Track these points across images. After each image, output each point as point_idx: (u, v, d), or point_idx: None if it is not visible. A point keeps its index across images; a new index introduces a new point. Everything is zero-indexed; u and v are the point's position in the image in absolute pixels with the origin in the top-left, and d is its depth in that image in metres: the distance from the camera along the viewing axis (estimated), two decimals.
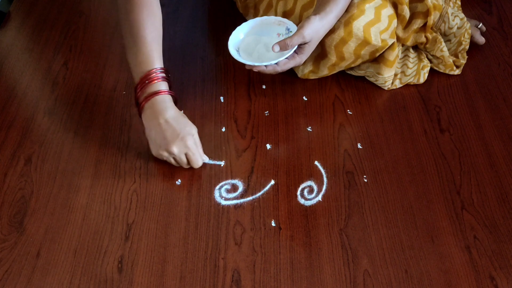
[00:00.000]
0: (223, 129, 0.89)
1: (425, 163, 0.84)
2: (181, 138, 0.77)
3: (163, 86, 0.79)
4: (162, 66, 0.81)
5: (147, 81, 0.78)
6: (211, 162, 0.84)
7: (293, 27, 0.85)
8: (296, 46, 0.80)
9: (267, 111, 0.92)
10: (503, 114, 0.90)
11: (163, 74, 0.80)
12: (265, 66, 0.81)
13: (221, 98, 0.94)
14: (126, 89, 0.96)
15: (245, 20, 0.91)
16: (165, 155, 0.80)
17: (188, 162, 0.81)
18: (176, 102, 0.82)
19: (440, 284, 0.71)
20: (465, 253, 0.73)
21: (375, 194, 0.80)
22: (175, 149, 0.78)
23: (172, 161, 0.81)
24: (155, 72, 0.79)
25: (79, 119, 0.92)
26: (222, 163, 0.85)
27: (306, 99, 0.94)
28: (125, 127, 0.90)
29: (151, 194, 0.81)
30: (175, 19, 1.10)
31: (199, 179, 0.83)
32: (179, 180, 0.83)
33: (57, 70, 1.01)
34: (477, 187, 0.81)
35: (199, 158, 0.81)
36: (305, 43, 0.80)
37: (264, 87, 0.96)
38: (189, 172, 0.83)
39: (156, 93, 0.78)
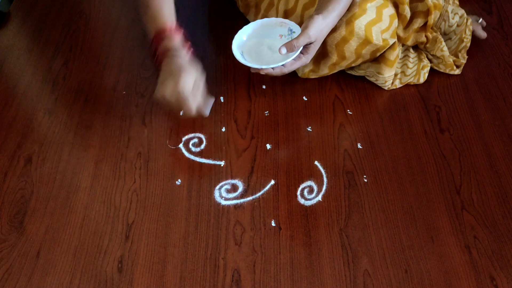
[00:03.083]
0: (223, 129, 0.89)
1: (425, 163, 0.84)
2: (175, 82, 0.77)
3: (175, 40, 0.82)
4: (174, 20, 0.83)
5: (159, 37, 0.81)
6: (210, 106, 0.85)
7: (296, 28, 0.85)
8: (302, 47, 0.81)
9: (267, 111, 0.92)
10: (503, 114, 0.90)
11: (175, 29, 0.82)
12: (272, 68, 0.81)
13: (221, 98, 0.94)
14: (126, 89, 0.96)
15: (246, 20, 0.91)
16: (160, 98, 0.80)
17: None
18: (194, 54, 0.84)
19: (440, 284, 0.71)
20: (465, 253, 0.74)
21: (375, 194, 0.80)
22: (166, 92, 0.78)
23: (169, 106, 0.81)
24: (167, 28, 0.81)
25: (79, 119, 0.92)
26: (222, 163, 0.85)
27: (306, 99, 0.94)
28: (125, 127, 0.90)
29: (151, 194, 0.81)
30: (175, 19, 1.10)
31: (199, 179, 0.83)
32: (179, 180, 0.83)
33: (57, 70, 1.01)
34: (477, 187, 0.81)
35: (191, 105, 0.79)
36: (310, 43, 0.81)
37: (264, 87, 0.96)
38: (189, 172, 0.84)
39: (168, 47, 0.81)
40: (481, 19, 1.01)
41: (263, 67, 0.81)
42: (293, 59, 0.81)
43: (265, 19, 0.88)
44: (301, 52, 0.82)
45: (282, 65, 0.81)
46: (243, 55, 0.85)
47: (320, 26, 0.79)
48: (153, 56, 0.84)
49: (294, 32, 0.86)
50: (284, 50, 0.79)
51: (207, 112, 0.84)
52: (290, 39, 0.82)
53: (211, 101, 0.87)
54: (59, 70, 1.01)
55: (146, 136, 0.89)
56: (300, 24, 0.86)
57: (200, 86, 0.81)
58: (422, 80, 0.95)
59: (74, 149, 0.87)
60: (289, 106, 0.93)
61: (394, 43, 0.88)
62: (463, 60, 0.96)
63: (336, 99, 0.93)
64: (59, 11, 1.13)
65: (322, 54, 0.89)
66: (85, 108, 0.94)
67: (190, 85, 0.78)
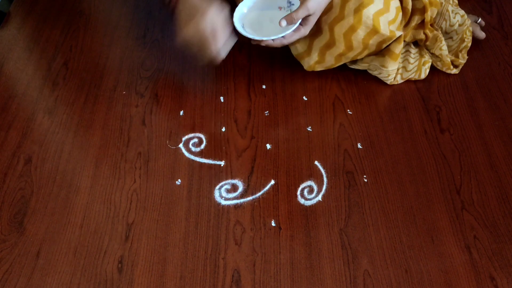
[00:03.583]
0: (223, 129, 0.89)
1: (425, 163, 0.84)
2: (196, 22, 0.69)
3: None
4: None
5: None
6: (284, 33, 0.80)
7: (295, 0, 0.86)
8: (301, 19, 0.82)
9: (267, 111, 0.92)
10: (503, 114, 0.90)
11: None
12: (272, 40, 0.83)
13: (221, 98, 0.94)
14: (126, 89, 0.96)
15: None
16: (183, 42, 0.73)
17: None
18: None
19: (440, 284, 0.71)
20: (465, 253, 0.74)
21: (375, 194, 0.80)
22: (188, 33, 0.71)
23: (193, 49, 0.75)
24: None
25: (79, 119, 0.92)
26: (222, 163, 0.85)
27: (306, 99, 0.94)
28: (125, 127, 0.90)
29: (151, 194, 0.81)
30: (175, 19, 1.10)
31: (199, 179, 0.83)
32: (179, 180, 0.83)
33: (57, 70, 1.01)
34: (477, 187, 0.81)
35: (214, 47, 0.73)
36: (309, 15, 0.81)
37: (264, 87, 0.96)
38: (189, 172, 0.84)
39: None
40: (480, 19, 1.01)
41: (264, 38, 0.82)
42: (293, 31, 0.83)
43: None
44: (300, 24, 0.83)
45: (282, 36, 0.82)
46: (244, 27, 0.86)
47: None
48: None
49: (293, 4, 0.86)
50: (284, 23, 0.81)
51: (223, 54, 0.81)
52: (289, 11, 0.83)
53: (233, 41, 0.83)
54: (59, 70, 1.01)
55: (146, 136, 0.89)
56: None
57: (222, 23, 0.75)
58: (423, 76, 0.95)
59: (74, 149, 0.87)
60: (289, 106, 0.93)
61: (400, 36, 0.88)
62: (462, 60, 0.96)
63: (336, 99, 0.93)
64: (59, 11, 1.13)
65: (329, 44, 0.89)
66: (85, 108, 0.94)
67: (215, 22, 0.71)
